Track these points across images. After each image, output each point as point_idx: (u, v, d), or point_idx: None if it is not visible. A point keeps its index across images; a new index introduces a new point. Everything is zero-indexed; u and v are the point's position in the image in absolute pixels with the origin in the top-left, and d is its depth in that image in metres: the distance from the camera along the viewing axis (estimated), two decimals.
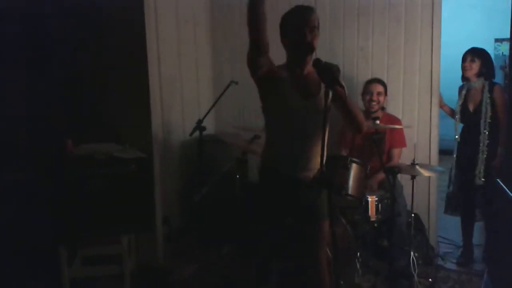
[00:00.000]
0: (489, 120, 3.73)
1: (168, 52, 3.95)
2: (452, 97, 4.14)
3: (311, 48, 2.33)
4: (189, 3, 4.32)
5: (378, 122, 3.33)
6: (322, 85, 2.35)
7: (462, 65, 3.87)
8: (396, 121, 3.81)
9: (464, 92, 3.93)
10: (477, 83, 3.81)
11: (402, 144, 3.83)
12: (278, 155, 2.46)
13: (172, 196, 4.13)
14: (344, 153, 3.73)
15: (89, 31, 3.43)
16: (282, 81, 2.38)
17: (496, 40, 6.83)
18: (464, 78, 3.90)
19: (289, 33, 2.39)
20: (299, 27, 2.33)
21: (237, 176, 3.57)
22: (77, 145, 3.26)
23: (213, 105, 3.90)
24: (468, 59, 3.82)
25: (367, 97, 3.71)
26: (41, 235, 3.10)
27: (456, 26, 6.40)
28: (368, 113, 3.67)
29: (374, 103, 3.69)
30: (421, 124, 4.04)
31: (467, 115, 3.89)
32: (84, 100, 3.48)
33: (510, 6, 3.22)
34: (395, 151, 3.79)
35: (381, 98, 3.72)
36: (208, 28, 4.54)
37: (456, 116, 3.97)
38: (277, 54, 2.43)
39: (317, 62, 2.18)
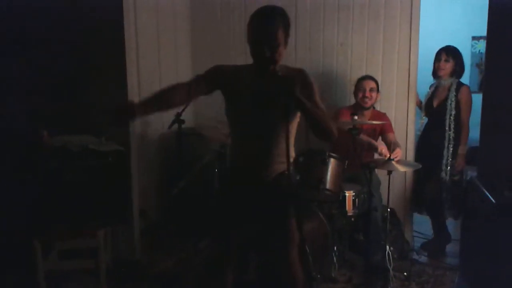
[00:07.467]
0: (453, 118, 3.79)
1: (146, 43, 3.90)
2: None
3: (271, 63, 2.20)
4: None
5: (356, 118, 3.35)
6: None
7: (435, 63, 3.92)
8: (384, 116, 3.85)
9: (432, 88, 4.00)
10: (446, 81, 3.87)
11: (392, 130, 3.86)
12: (239, 153, 2.48)
13: (150, 189, 4.09)
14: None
15: (66, 22, 3.36)
16: (239, 90, 2.35)
17: (474, 38, 6.91)
18: (436, 75, 3.95)
19: (249, 42, 2.25)
20: (258, 42, 2.19)
21: (216, 170, 3.56)
22: (53, 136, 3.20)
23: None
24: (443, 58, 3.86)
25: (360, 94, 3.74)
26: (16, 227, 3.05)
27: (434, 23, 6.46)
28: (361, 108, 3.74)
29: (367, 99, 3.73)
30: (398, 120, 4.09)
31: (430, 110, 3.96)
32: (61, 91, 3.42)
33: (488, 4, 3.28)
34: (390, 135, 3.81)
35: (373, 94, 3.74)
36: (187, 19, 4.49)
37: (422, 112, 4.05)
38: None
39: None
